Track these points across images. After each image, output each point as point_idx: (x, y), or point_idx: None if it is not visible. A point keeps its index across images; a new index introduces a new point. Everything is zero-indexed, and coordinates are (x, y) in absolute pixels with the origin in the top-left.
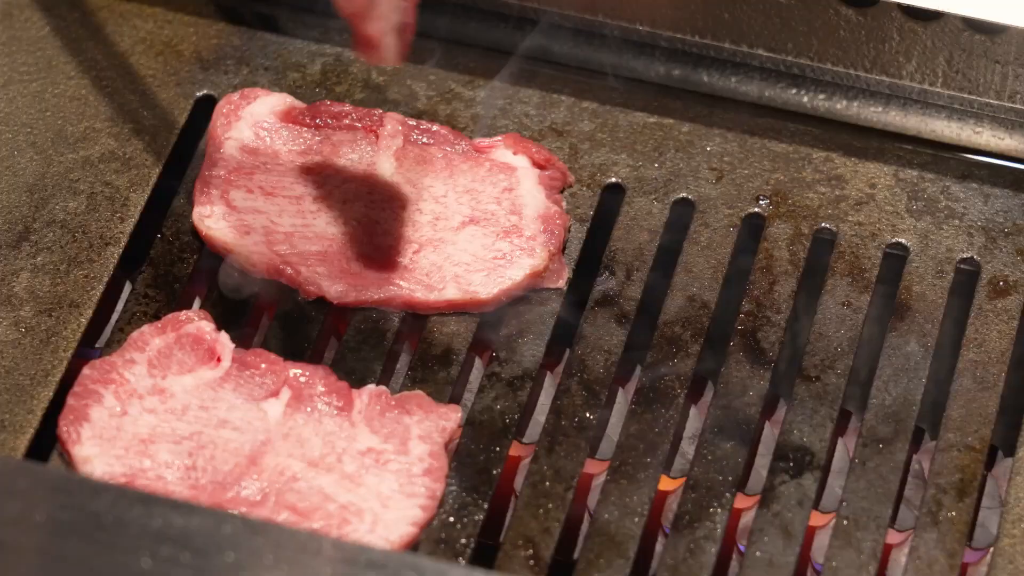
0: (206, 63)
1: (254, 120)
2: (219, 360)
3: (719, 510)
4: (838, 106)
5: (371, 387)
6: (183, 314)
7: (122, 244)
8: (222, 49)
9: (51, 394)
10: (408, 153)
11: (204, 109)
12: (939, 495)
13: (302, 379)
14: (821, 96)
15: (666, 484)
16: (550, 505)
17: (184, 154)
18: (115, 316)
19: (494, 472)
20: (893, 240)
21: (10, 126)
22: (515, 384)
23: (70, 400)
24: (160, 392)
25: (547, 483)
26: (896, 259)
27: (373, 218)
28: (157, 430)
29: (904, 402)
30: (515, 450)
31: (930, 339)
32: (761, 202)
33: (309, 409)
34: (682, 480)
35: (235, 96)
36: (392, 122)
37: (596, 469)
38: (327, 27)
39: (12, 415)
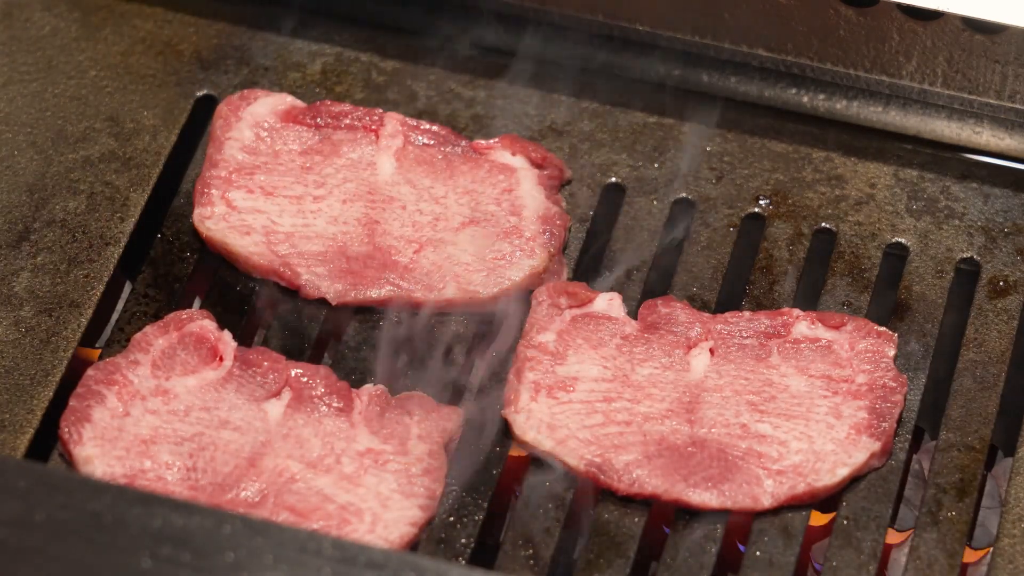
0: (206, 63)
1: (254, 120)
2: (222, 360)
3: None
4: (838, 106)
5: (371, 387)
6: (185, 313)
7: (122, 244)
8: (222, 49)
9: (51, 394)
10: (408, 153)
11: (204, 109)
12: (939, 495)
13: (303, 379)
14: (821, 96)
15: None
16: (550, 505)
17: (184, 154)
18: (115, 316)
19: (494, 472)
20: (893, 240)
21: (10, 126)
22: None
23: (72, 401)
24: (163, 393)
25: (547, 483)
26: (896, 259)
27: (373, 218)
28: (159, 431)
29: (904, 401)
30: (515, 450)
31: (930, 339)
32: (761, 202)
33: (309, 410)
34: None
35: (235, 97)
36: (392, 122)
37: None
38: (327, 27)
39: (12, 415)
